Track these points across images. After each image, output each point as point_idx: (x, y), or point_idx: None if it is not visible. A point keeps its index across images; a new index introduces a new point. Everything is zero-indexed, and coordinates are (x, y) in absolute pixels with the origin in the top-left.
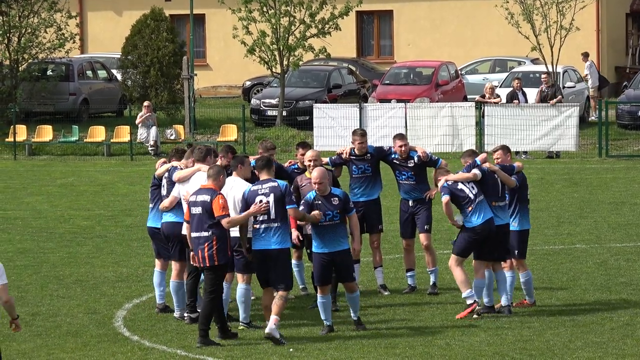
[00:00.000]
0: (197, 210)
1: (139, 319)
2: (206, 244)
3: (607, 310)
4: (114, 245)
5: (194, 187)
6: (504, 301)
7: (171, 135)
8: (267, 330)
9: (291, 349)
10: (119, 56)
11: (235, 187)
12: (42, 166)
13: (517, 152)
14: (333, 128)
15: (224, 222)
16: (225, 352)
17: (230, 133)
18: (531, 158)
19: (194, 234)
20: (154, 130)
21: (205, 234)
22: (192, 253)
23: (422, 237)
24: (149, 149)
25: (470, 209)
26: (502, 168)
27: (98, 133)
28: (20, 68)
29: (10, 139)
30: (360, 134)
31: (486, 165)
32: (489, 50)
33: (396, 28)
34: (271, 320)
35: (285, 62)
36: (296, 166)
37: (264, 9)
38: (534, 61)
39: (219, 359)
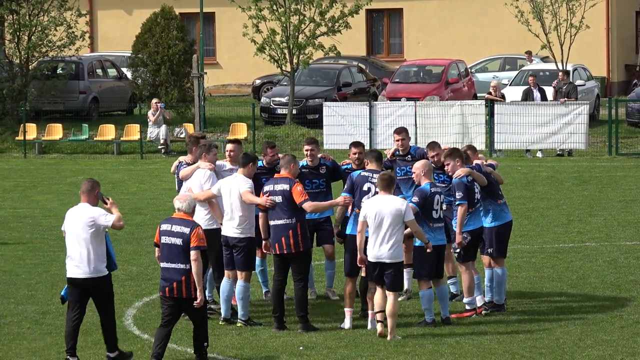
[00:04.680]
0: (276, 198)
1: (149, 317)
2: (290, 231)
3: (617, 308)
4: (123, 244)
5: (195, 183)
6: (487, 298)
7: (181, 133)
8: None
9: (301, 347)
10: (129, 54)
11: (234, 186)
12: (52, 164)
13: (527, 150)
14: (343, 126)
15: (306, 206)
16: (235, 351)
17: (240, 131)
18: (542, 156)
19: (275, 222)
20: (163, 128)
21: (288, 221)
22: (264, 242)
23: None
24: (159, 147)
25: (471, 210)
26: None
27: (108, 131)
28: (30, 66)
29: (20, 137)
30: (398, 131)
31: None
32: (499, 48)
33: (406, 26)
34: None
35: (295, 61)
36: (350, 166)
37: (274, 8)
38: (544, 59)
39: (229, 357)
